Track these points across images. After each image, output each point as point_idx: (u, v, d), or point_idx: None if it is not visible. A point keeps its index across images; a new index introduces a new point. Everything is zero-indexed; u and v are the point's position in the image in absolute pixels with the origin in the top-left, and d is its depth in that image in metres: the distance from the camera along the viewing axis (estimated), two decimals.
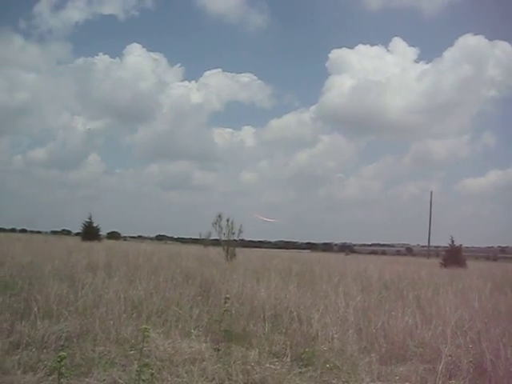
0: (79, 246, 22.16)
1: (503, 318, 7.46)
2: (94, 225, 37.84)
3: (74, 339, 5.78)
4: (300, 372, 5.28)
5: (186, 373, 4.89)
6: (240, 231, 19.59)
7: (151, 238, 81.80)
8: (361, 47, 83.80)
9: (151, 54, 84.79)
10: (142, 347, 4.36)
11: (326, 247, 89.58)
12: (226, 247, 19.65)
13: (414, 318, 7.19)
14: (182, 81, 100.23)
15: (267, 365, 5.31)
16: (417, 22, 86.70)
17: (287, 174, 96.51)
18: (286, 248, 73.05)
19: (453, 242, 30.84)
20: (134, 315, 6.97)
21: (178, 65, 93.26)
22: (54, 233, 65.43)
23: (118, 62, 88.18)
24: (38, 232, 60.62)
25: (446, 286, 11.50)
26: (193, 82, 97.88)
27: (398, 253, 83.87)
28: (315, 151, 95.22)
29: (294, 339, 6.32)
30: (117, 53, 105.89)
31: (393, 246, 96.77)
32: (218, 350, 5.74)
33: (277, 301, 8.45)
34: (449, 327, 6.36)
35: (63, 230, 68.40)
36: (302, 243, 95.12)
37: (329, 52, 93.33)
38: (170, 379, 4.75)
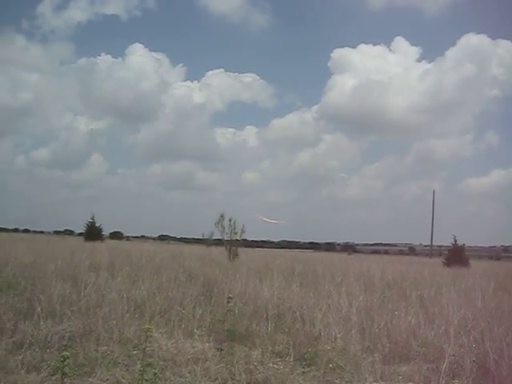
0: (82, 246, 22.19)
1: (506, 317, 7.44)
2: (97, 225, 37.79)
3: (77, 339, 5.80)
4: (303, 372, 5.28)
5: (189, 372, 4.90)
6: (242, 231, 19.63)
7: (154, 238, 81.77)
8: (363, 47, 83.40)
9: (153, 53, 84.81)
10: (145, 347, 4.36)
11: (329, 247, 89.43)
12: (228, 247, 19.67)
13: (417, 317, 7.18)
14: (185, 81, 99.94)
15: (270, 364, 5.32)
16: (419, 21, 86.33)
17: (290, 173, 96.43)
18: (289, 248, 73.02)
19: (455, 241, 30.75)
20: (137, 315, 6.98)
21: (181, 65, 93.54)
22: (57, 233, 65.50)
23: (120, 62, 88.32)
24: (41, 232, 60.71)
25: (449, 286, 11.46)
26: (195, 81, 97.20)
27: (401, 252, 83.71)
28: (317, 151, 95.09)
29: (296, 339, 6.32)
30: (119, 53, 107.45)
31: (395, 245, 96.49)
32: (221, 349, 5.74)
33: (280, 300, 8.45)
34: (452, 327, 6.35)
35: (66, 230, 68.54)
36: (305, 243, 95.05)
37: (331, 51, 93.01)
38: (172, 379, 4.76)
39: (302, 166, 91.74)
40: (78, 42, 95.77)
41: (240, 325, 6.81)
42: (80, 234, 43.59)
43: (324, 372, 5.25)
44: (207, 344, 6.00)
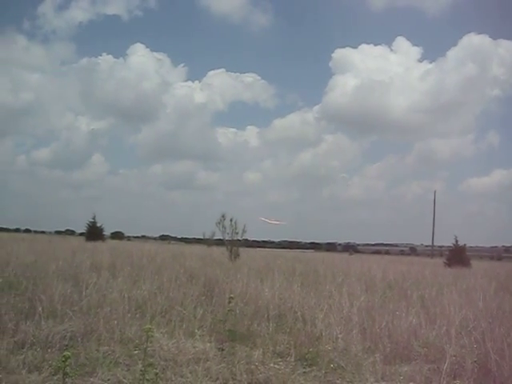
0: (83, 246, 22.20)
1: (508, 317, 7.43)
2: (98, 225, 37.86)
3: (79, 339, 5.80)
4: (304, 372, 5.28)
5: (190, 373, 4.90)
6: (243, 231, 19.66)
7: (155, 238, 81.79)
8: (364, 47, 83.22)
9: (155, 54, 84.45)
10: (146, 347, 4.36)
11: (330, 247, 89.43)
12: (229, 247, 19.68)
13: (418, 317, 7.17)
14: (186, 81, 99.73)
15: (271, 365, 5.32)
16: (420, 21, 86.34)
17: (291, 173, 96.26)
18: (290, 248, 73.01)
19: (457, 241, 30.75)
20: (138, 315, 6.99)
21: (182, 65, 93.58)
22: (58, 233, 65.64)
23: (121, 62, 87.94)
24: (42, 232, 60.78)
25: (450, 286, 11.45)
26: (196, 81, 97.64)
27: (402, 252, 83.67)
28: (319, 151, 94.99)
29: (298, 339, 6.32)
30: (120, 53, 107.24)
31: (396, 245, 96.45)
32: (222, 349, 5.74)
33: (281, 301, 8.45)
34: (453, 327, 6.35)
35: (67, 230, 68.72)
36: (306, 243, 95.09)
37: (332, 52, 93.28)
38: (174, 379, 4.77)
39: (303, 166, 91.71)
40: (79, 42, 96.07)
41: (241, 325, 6.81)
42: (81, 234, 43.67)
43: (325, 372, 5.24)
44: (208, 344, 6.00)
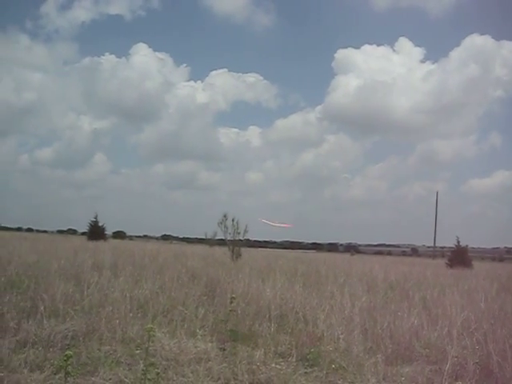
0: (85, 246, 22.23)
1: (510, 319, 7.42)
2: (100, 224, 37.98)
3: (80, 338, 5.81)
4: (305, 372, 5.28)
5: (192, 372, 4.90)
6: (245, 231, 19.65)
7: (157, 238, 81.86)
8: (367, 47, 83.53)
9: (157, 53, 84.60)
10: (148, 347, 4.36)
11: (332, 247, 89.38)
12: (231, 247, 19.68)
13: (420, 318, 7.17)
14: (188, 81, 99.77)
15: (273, 365, 5.32)
16: (423, 22, 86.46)
17: (293, 174, 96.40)
18: (292, 248, 72.91)
19: (459, 242, 30.74)
20: (140, 315, 7.00)
21: (184, 65, 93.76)
22: (60, 232, 65.77)
23: (124, 61, 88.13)
24: (44, 231, 60.99)
25: (452, 287, 11.44)
26: (199, 81, 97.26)
27: (404, 253, 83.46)
28: (321, 151, 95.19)
29: (299, 339, 6.32)
30: (123, 53, 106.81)
31: (398, 246, 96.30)
32: (224, 349, 5.75)
33: (282, 301, 8.45)
34: (455, 328, 6.34)
35: (69, 230, 68.85)
36: (308, 243, 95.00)
37: (335, 52, 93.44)
38: (175, 379, 4.77)
39: (305, 166, 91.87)
40: (81, 42, 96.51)
41: (243, 325, 6.81)
42: (83, 234, 43.73)
43: (326, 373, 5.24)
44: (210, 344, 6.00)
